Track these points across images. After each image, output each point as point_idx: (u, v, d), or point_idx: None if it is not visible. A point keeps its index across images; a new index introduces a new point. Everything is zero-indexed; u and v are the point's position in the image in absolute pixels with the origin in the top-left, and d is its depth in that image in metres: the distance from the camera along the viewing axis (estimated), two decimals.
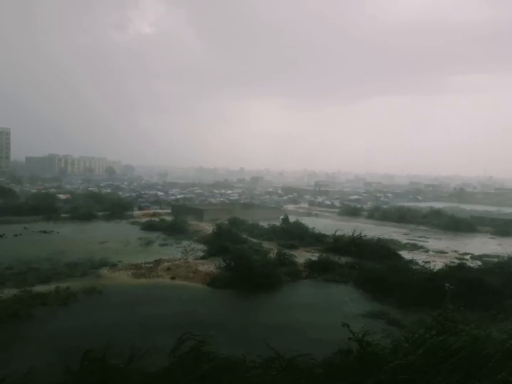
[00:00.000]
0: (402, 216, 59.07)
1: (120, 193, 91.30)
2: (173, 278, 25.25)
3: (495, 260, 29.35)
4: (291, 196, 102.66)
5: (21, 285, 21.86)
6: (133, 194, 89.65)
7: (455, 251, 36.95)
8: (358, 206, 76.09)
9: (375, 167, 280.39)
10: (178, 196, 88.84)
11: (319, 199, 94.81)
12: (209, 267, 27.57)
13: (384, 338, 11.33)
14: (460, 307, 19.69)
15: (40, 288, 21.47)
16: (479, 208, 77.51)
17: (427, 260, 30.15)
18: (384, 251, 31.77)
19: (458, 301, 20.92)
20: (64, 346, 14.15)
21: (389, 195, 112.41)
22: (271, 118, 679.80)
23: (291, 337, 10.21)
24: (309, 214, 64.81)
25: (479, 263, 28.55)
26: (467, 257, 34.30)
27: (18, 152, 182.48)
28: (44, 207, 53.33)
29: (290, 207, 76.63)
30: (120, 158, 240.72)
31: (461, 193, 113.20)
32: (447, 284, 23.48)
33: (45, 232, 40.48)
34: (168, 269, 27.18)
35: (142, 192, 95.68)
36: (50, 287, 21.72)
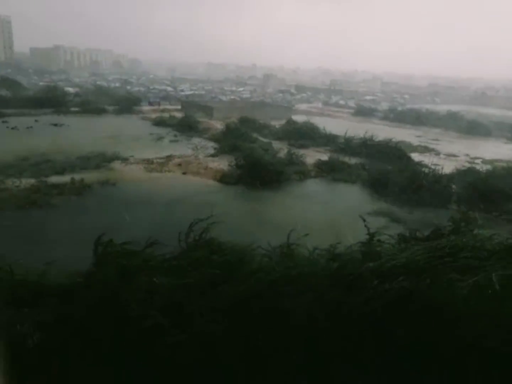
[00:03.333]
0: (417, 118, 57.68)
1: (128, 87, 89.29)
2: (184, 173, 25.78)
3: (505, 165, 29.19)
4: (304, 95, 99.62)
5: (37, 176, 22.56)
6: (142, 89, 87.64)
7: (467, 155, 36.66)
8: (373, 107, 73.97)
9: (394, 66, 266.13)
10: (188, 92, 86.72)
11: (334, 99, 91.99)
12: (220, 164, 27.92)
13: (389, 235, 11.75)
14: (464, 209, 20.24)
15: (55, 179, 22.17)
16: (499, 112, 74.88)
17: (437, 163, 30.12)
18: (394, 152, 31.66)
19: (463, 203, 21.40)
20: (83, 233, 14.98)
21: (406, 96, 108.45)
22: (285, 6, 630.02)
23: (293, 231, 10.75)
24: (322, 114, 63.42)
25: (489, 167, 28.46)
26: (478, 161, 34.11)
27: (22, 43, 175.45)
28: (53, 101, 52.67)
29: (303, 106, 74.78)
30: (127, 51, 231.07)
31: (482, 97, 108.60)
32: (454, 187, 23.75)
33: (56, 125, 40.59)
34: (179, 165, 27.61)
35: (151, 87, 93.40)
36: (65, 178, 22.38)
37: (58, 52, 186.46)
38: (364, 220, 10.42)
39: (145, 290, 8.45)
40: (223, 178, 24.60)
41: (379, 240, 10.47)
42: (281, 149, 32.57)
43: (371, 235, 10.22)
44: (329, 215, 19.09)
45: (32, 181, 21.68)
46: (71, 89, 71.30)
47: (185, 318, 7.99)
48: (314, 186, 25.03)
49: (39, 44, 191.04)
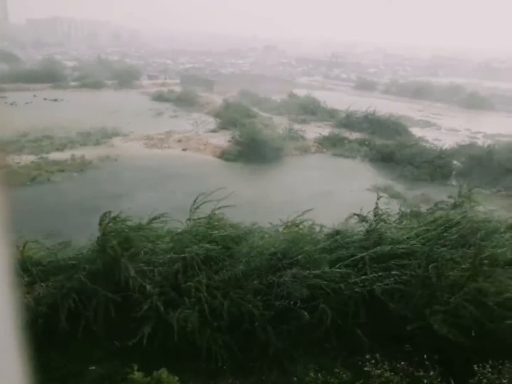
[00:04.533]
0: (419, 92, 57.01)
1: (127, 60, 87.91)
2: (184, 149, 25.76)
3: (507, 139, 29.07)
4: (305, 68, 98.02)
5: (38, 152, 22.59)
6: (141, 62, 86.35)
7: (468, 130, 36.43)
8: (375, 80, 72.89)
9: (398, 36, 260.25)
10: (187, 65, 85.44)
11: (335, 72, 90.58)
12: (220, 140, 27.83)
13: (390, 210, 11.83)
14: (464, 185, 20.32)
15: (56, 155, 22.22)
16: (504, 85, 73.53)
17: (438, 138, 30.00)
18: (395, 127, 31.49)
19: (464, 178, 21.44)
20: (86, 209, 15.16)
21: (408, 68, 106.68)
22: None
23: (293, 208, 10.86)
24: (323, 88, 62.63)
25: (489, 142, 28.34)
26: (479, 136, 33.92)
27: (18, 14, 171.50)
28: (51, 75, 52.02)
29: (304, 79, 73.78)
30: (125, 22, 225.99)
31: (486, 69, 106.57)
32: (454, 162, 23.75)
33: (55, 100, 40.26)
34: (179, 141, 27.55)
35: (150, 60, 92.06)
36: (66, 154, 22.43)
37: (55, 24, 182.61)
38: (378, 198, 10.36)
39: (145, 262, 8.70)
40: (223, 155, 24.60)
41: (382, 220, 10.46)
42: (282, 124, 32.40)
43: (376, 215, 10.19)
44: (327, 193, 19.19)
45: (32, 157, 21.73)
46: (69, 63, 70.26)
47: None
48: (313, 162, 25.03)
49: (35, 15, 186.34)
